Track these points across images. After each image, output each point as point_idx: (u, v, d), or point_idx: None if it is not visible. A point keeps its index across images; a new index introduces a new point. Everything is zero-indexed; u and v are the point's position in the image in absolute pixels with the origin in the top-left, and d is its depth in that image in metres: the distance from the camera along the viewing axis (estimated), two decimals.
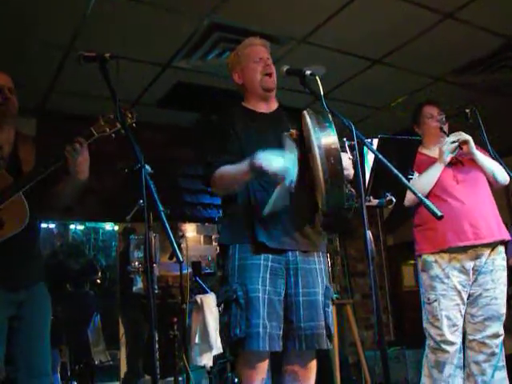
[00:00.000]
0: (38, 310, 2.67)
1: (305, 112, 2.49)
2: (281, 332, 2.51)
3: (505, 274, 3.38)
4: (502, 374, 3.30)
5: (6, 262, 2.54)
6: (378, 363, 5.13)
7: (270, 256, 2.54)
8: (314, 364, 2.67)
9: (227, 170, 2.56)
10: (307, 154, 2.52)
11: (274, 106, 2.90)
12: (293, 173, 2.34)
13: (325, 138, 2.33)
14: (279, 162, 2.34)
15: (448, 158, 3.36)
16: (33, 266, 2.68)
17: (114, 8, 4.02)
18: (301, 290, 2.57)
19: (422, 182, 3.31)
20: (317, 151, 2.32)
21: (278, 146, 2.53)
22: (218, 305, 2.73)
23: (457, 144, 3.35)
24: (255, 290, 2.48)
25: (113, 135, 2.61)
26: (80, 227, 6.22)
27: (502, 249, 3.40)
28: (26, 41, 4.31)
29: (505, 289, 3.37)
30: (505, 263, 3.40)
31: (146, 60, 4.85)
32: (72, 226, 6.07)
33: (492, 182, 3.48)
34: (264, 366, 2.53)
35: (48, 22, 4.12)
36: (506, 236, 3.38)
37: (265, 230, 2.54)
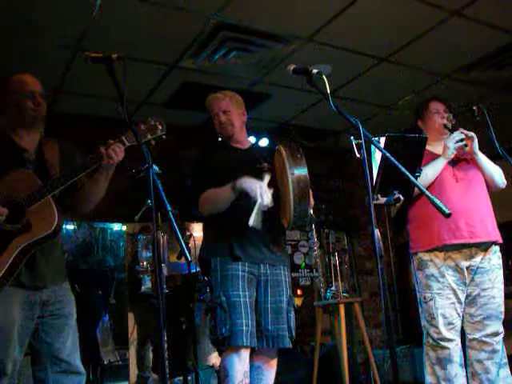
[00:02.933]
0: (63, 309, 2.64)
1: (280, 146, 2.97)
2: (255, 331, 2.97)
3: (501, 272, 3.40)
4: (506, 372, 3.31)
5: (31, 263, 2.53)
6: (386, 361, 5.14)
7: (246, 267, 3.02)
8: (275, 361, 3.15)
9: (210, 193, 3.07)
10: (277, 182, 3.04)
11: (247, 143, 3.39)
12: (266, 194, 2.86)
13: (297, 167, 2.84)
14: (256, 184, 2.88)
15: (452, 154, 3.36)
16: (57, 266, 2.69)
17: (120, 9, 4.03)
18: (269, 298, 3.07)
19: (422, 176, 3.30)
20: (289, 177, 2.80)
21: (253, 173, 3.01)
22: (206, 313, 3.13)
23: (463, 142, 3.35)
24: (236, 296, 2.94)
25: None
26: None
27: (496, 248, 3.41)
28: (33, 42, 4.34)
29: (502, 287, 3.38)
30: (501, 262, 3.42)
31: (152, 60, 4.87)
32: (70, 227, 6.06)
33: (490, 184, 3.50)
34: (246, 360, 2.94)
35: (55, 22, 4.14)
36: (499, 238, 3.40)
37: (240, 247, 3.03)
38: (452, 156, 3.37)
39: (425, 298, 3.34)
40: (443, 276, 3.29)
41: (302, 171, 2.85)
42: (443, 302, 3.28)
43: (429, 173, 3.33)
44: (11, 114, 2.71)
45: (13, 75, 2.77)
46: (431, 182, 3.35)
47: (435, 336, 3.28)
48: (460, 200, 3.34)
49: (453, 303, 3.29)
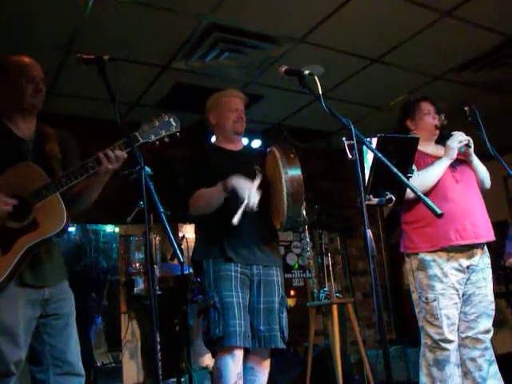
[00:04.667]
0: (64, 307, 2.58)
1: (273, 147, 3.02)
2: (249, 332, 2.97)
3: (491, 271, 3.43)
4: (495, 368, 3.33)
5: (35, 261, 2.46)
6: (379, 362, 5.15)
7: (239, 268, 3.03)
8: (268, 362, 3.16)
9: (202, 191, 3.05)
10: (270, 184, 3.05)
11: (240, 145, 3.43)
12: (254, 196, 2.87)
13: (291, 167, 2.87)
14: (246, 184, 2.89)
15: (455, 154, 3.37)
16: (59, 264, 2.63)
17: (112, 10, 4.02)
18: (262, 299, 3.08)
19: (425, 177, 3.30)
20: (283, 177, 2.83)
21: (245, 174, 3.00)
22: (199, 314, 3.16)
23: (466, 143, 3.37)
24: (229, 296, 2.95)
25: (157, 142, 2.54)
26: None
27: (486, 248, 3.45)
28: (24, 43, 4.32)
29: (492, 286, 3.41)
30: (489, 261, 3.45)
31: (144, 61, 4.86)
32: (72, 229, 6.05)
33: (479, 185, 3.53)
34: (240, 361, 2.93)
35: (47, 23, 4.13)
36: (493, 237, 3.43)
37: (232, 248, 3.04)
38: (455, 156, 3.39)
39: (427, 299, 3.31)
40: (446, 276, 3.28)
41: (295, 171, 2.87)
42: (447, 302, 3.26)
43: (433, 173, 3.34)
44: (8, 99, 2.56)
45: (11, 56, 2.60)
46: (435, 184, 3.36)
47: (437, 337, 3.25)
48: (463, 201, 3.35)
49: (455, 303, 3.29)
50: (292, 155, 2.92)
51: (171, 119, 2.57)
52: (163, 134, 2.54)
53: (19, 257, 2.35)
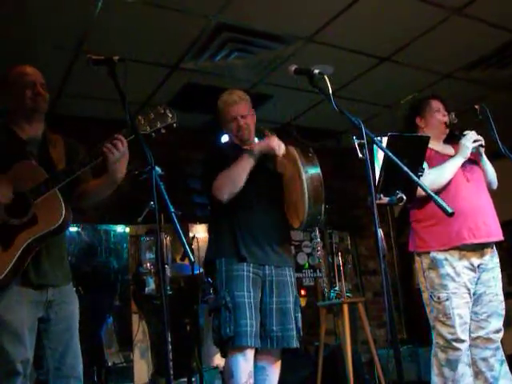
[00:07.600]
0: (66, 310, 2.60)
1: (289, 147, 3.05)
2: (259, 332, 2.97)
3: (499, 270, 3.42)
4: (506, 368, 3.31)
5: (36, 260, 2.48)
6: (390, 361, 5.12)
7: (251, 268, 3.01)
8: (279, 362, 3.16)
9: (226, 170, 3.00)
10: (287, 184, 3.11)
11: (254, 144, 3.32)
12: (280, 145, 3.01)
13: (310, 166, 2.91)
14: (270, 142, 3.01)
15: (469, 153, 3.36)
16: (62, 265, 2.64)
17: (121, 10, 4.04)
18: (274, 299, 3.07)
19: (438, 175, 3.29)
20: (303, 176, 2.86)
21: (261, 173, 3.08)
22: (210, 313, 3.14)
23: (480, 143, 3.36)
24: (241, 296, 2.94)
25: (153, 134, 2.54)
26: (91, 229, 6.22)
27: (494, 247, 3.43)
28: (34, 44, 4.34)
29: (501, 285, 3.40)
30: (498, 261, 3.43)
31: (154, 62, 4.88)
32: (79, 229, 6.06)
33: (487, 185, 3.52)
34: (251, 360, 2.94)
35: (56, 25, 4.15)
36: (502, 236, 3.41)
37: (246, 247, 3.03)
38: (469, 155, 3.38)
39: (439, 298, 3.27)
40: (459, 275, 3.25)
41: (315, 170, 2.91)
42: (459, 301, 3.23)
43: (448, 171, 3.32)
44: (13, 105, 2.67)
45: (14, 67, 2.72)
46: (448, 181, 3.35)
47: (449, 337, 3.22)
48: (474, 199, 3.34)
49: (467, 302, 3.26)
50: (310, 154, 2.96)
51: (167, 111, 2.57)
52: (159, 125, 2.54)
53: (20, 252, 2.39)
